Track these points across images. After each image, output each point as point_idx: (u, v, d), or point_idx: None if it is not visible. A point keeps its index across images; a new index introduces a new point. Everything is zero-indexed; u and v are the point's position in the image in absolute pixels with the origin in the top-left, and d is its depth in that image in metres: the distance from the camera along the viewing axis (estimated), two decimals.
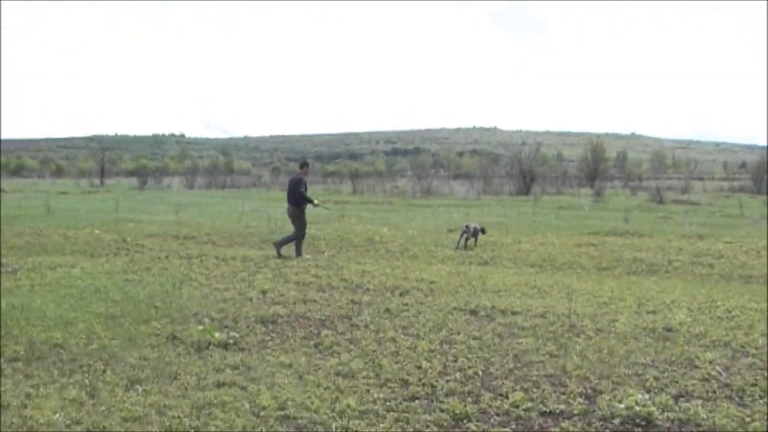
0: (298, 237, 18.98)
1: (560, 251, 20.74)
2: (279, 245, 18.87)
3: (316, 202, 19.45)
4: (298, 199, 18.93)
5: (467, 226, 22.55)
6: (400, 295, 13.06)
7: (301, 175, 19.49)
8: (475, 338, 9.73)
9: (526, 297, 13.05)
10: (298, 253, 18.66)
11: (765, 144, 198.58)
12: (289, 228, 19.41)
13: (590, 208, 44.28)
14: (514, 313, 11.37)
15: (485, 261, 18.97)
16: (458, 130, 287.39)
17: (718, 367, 8.37)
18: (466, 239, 22.18)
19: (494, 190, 70.16)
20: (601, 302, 12.52)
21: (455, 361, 8.61)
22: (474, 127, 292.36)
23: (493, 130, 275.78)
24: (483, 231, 23.02)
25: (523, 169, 74.41)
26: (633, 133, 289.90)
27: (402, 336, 9.84)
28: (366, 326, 10.45)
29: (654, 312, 11.67)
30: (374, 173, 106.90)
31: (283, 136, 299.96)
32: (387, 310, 11.60)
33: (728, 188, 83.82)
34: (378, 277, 14.95)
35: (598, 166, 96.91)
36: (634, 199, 57.96)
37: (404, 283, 14.30)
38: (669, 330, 10.30)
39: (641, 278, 16.68)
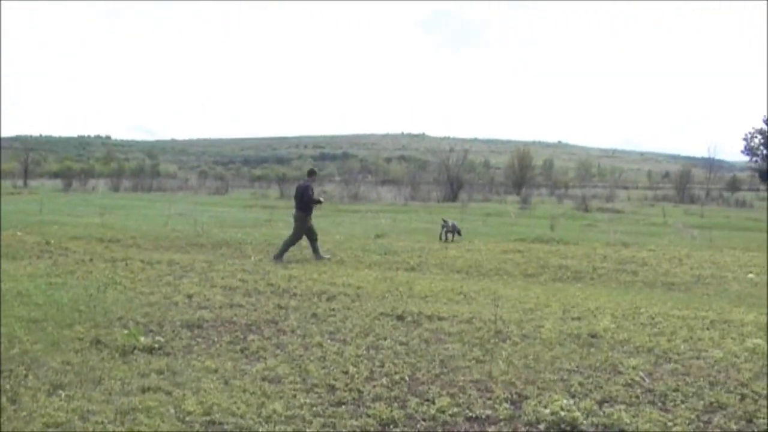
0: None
1: (487, 258, 20.86)
2: (278, 255, 19.65)
3: (321, 199, 21.16)
4: (306, 205, 20.08)
5: (445, 221, 26.24)
6: (327, 300, 13.05)
7: (309, 182, 20.71)
8: (401, 344, 9.76)
9: (452, 303, 13.12)
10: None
11: (688, 154, 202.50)
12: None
13: (517, 215, 44.63)
14: (440, 318, 11.42)
15: (412, 267, 19.02)
16: (386, 135, 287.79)
17: (641, 373, 8.49)
18: (447, 233, 25.60)
19: (422, 196, 70.34)
20: (527, 308, 12.62)
21: (382, 366, 8.62)
22: (402, 133, 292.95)
23: (421, 137, 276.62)
24: (459, 232, 26.02)
25: (451, 175, 74.80)
26: (559, 142, 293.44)
27: (329, 341, 9.83)
28: (293, 331, 10.43)
29: (579, 318, 11.79)
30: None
31: (210, 140, 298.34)
32: (314, 315, 11.58)
33: (652, 197, 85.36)
34: (305, 282, 14.93)
35: (524, 174, 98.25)
36: (560, 207, 58.56)
37: (331, 288, 14.29)
38: (593, 336, 10.42)
39: (567, 285, 16.85)
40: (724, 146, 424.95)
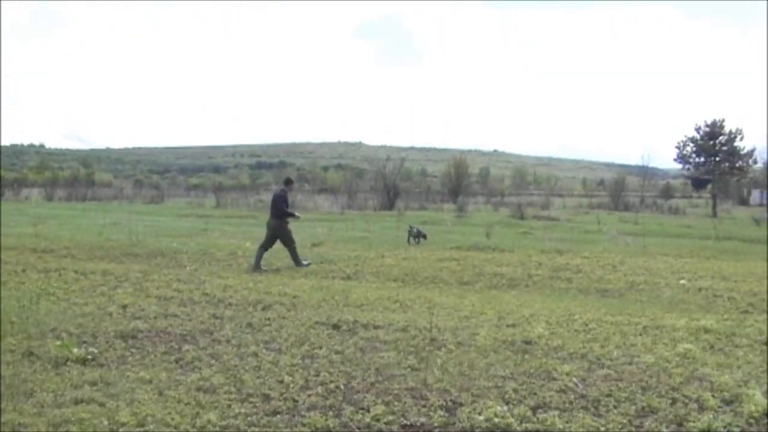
0: (265, 248, 20.54)
1: (423, 266, 20.93)
2: (297, 263, 20.36)
3: (297, 214, 21.66)
4: (280, 213, 20.34)
5: (411, 227, 29.01)
6: (263, 309, 13.01)
7: (285, 190, 21.02)
8: (337, 352, 9.76)
9: (388, 311, 13.14)
10: (257, 266, 19.81)
11: (622, 162, 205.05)
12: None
13: (453, 223, 44.91)
14: (376, 327, 11.43)
15: (348, 275, 19.02)
16: (323, 144, 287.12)
17: (574, 379, 8.57)
18: (415, 236, 28.06)
19: (359, 204, 70.54)
20: (462, 316, 12.68)
21: (317, 375, 8.61)
22: (339, 141, 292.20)
23: (358, 145, 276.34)
24: (424, 236, 28.29)
25: (388, 184, 75.01)
26: (495, 150, 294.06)
27: (264, 350, 9.80)
28: (228, 341, 10.38)
29: (514, 325, 11.85)
30: (238, 187, 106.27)
31: (146, 148, 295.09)
32: (249, 324, 11.54)
33: (587, 204, 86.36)
34: (240, 292, 14.87)
35: (461, 182, 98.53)
36: (495, 215, 59.08)
37: (267, 297, 14.26)
38: (528, 343, 10.49)
39: (502, 292, 16.96)
40: (657, 154, 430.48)
